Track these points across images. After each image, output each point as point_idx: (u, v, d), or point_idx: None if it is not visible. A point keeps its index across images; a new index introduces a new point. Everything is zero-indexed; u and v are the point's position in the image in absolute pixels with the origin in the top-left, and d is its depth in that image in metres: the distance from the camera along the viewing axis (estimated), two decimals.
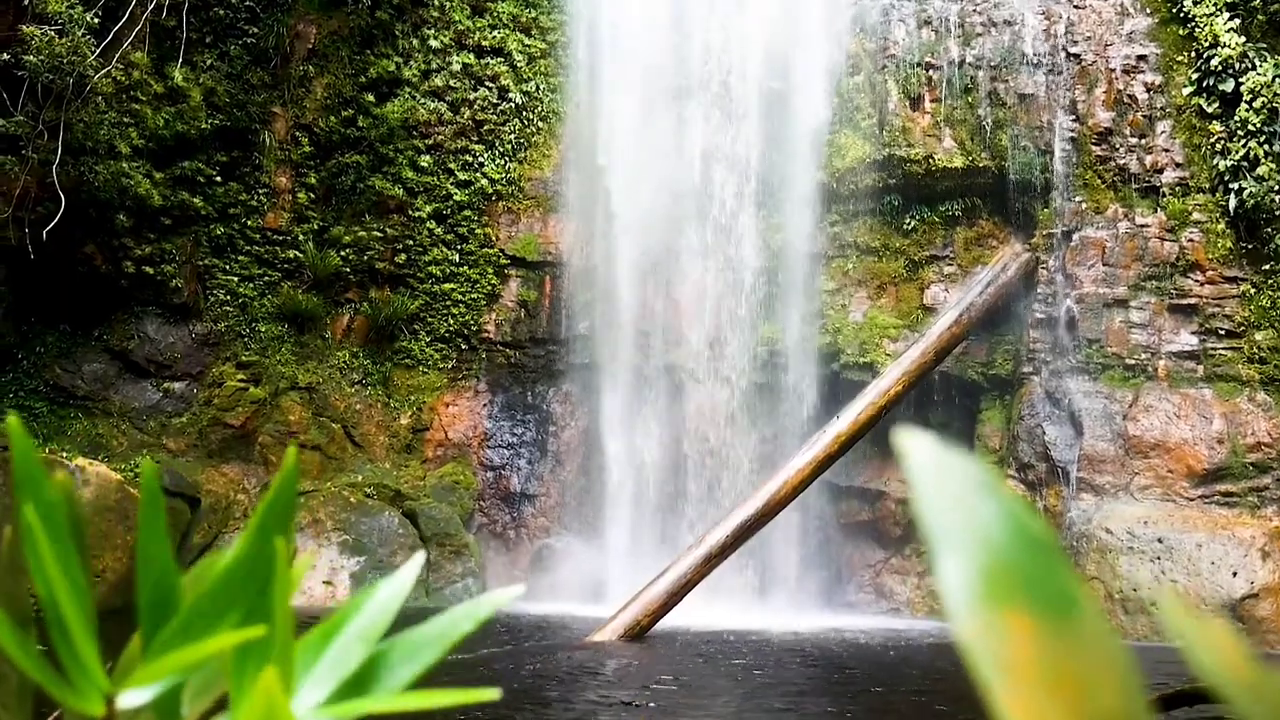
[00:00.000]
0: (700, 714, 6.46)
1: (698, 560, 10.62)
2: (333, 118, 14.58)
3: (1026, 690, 0.40)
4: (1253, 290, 12.45)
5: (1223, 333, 12.47)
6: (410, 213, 14.76)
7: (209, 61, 13.99)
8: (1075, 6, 13.38)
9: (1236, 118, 12.35)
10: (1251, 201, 12.16)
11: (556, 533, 14.32)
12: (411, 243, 14.78)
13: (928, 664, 9.07)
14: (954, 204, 13.73)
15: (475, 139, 14.88)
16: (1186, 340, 12.57)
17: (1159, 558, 11.36)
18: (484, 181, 14.82)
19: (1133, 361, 12.63)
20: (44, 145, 12.06)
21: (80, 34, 11.65)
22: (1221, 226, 12.53)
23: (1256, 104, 12.20)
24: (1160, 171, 12.83)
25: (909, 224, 13.86)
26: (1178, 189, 12.75)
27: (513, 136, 14.94)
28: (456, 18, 14.94)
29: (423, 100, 14.74)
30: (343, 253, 14.69)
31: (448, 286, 14.80)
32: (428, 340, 14.87)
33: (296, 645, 0.44)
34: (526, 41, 15.10)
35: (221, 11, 13.94)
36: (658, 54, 14.02)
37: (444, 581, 12.84)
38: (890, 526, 13.75)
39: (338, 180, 14.72)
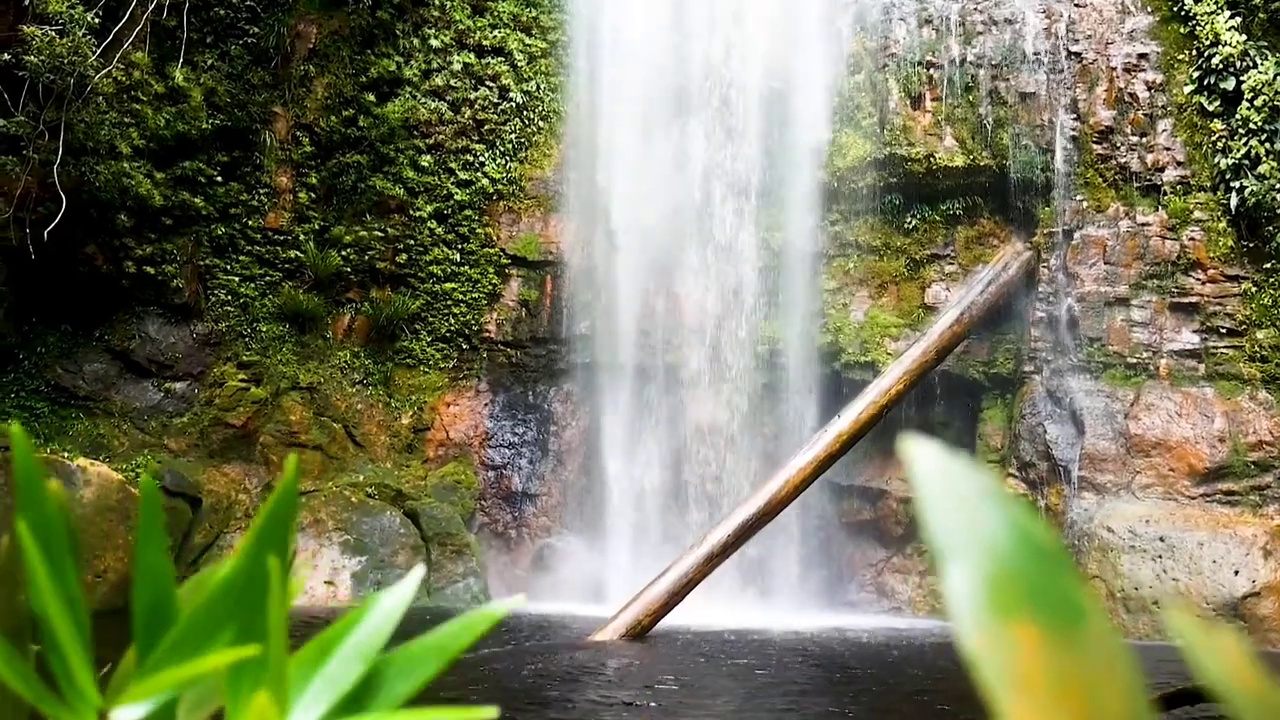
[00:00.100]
0: (702, 714, 6.46)
1: (699, 559, 10.62)
2: (333, 117, 14.58)
3: (1033, 700, 0.40)
4: (1254, 289, 12.44)
5: (1224, 331, 12.47)
6: (411, 212, 14.75)
7: (210, 61, 13.99)
8: (1076, 5, 13.37)
9: (1238, 116, 12.34)
10: (1253, 200, 12.15)
11: (558, 532, 14.32)
12: (412, 242, 14.78)
13: (930, 663, 9.07)
14: (955, 203, 13.73)
15: (476, 138, 14.88)
16: (1188, 339, 12.56)
17: (1161, 556, 11.36)
18: (485, 181, 14.82)
19: (1134, 360, 12.63)
20: (45, 145, 12.06)
21: (81, 34, 11.65)
22: (1223, 225, 12.52)
23: (1258, 102, 12.19)
24: (1161, 170, 12.82)
25: (910, 223, 13.86)
26: (1179, 187, 12.75)
27: (513, 136, 14.93)
28: (457, 17, 14.94)
29: (423, 100, 14.73)
30: (344, 252, 14.69)
31: (449, 286, 14.80)
32: (429, 340, 14.87)
33: (292, 660, 0.44)
34: (527, 41, 15.09)
35: (222, 11, 13.94)
36: (658, 53, 14.01)
37: (445, 581, 12.84)
38: (892, 525, 13.75)
39: (339, 180, 14.72)
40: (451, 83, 14.81)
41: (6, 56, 11.53)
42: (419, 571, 0.52)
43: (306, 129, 14.66)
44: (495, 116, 14.89)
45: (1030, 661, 0.40)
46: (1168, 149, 12.83)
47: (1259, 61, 12.32)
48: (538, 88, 15.01)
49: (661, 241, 13.96)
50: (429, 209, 14.76)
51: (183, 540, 12.40)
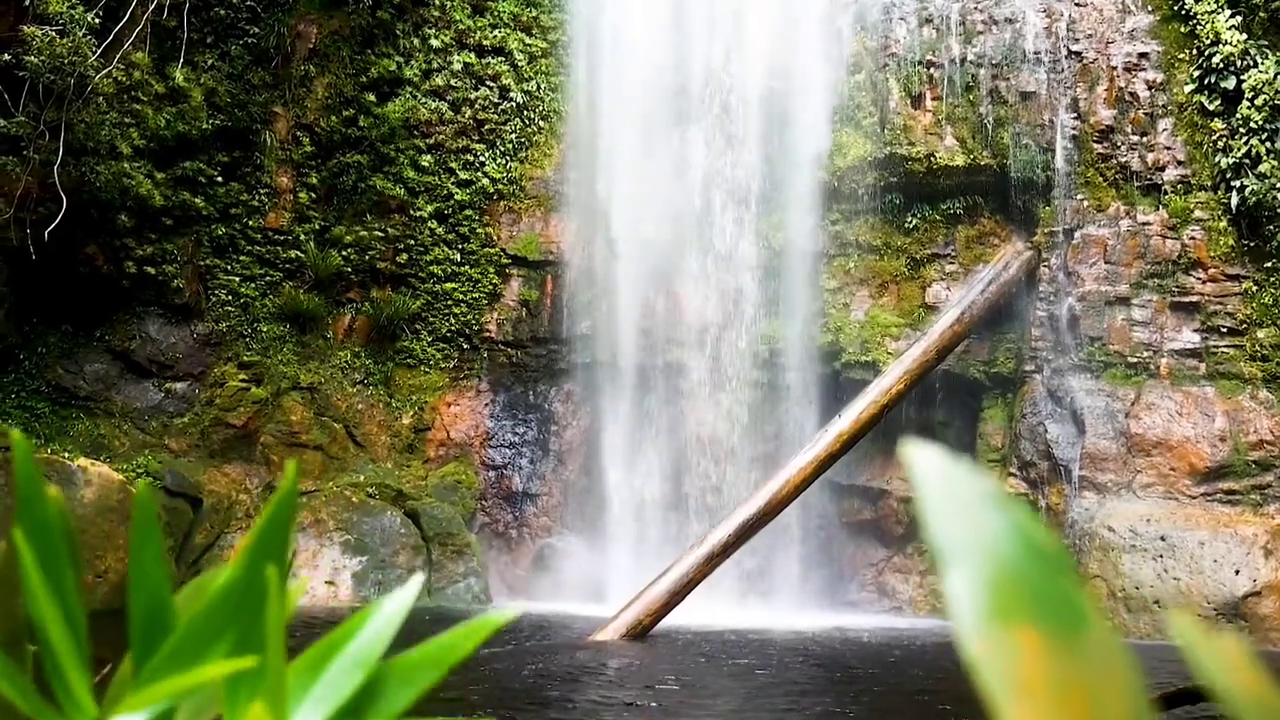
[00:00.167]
0: (703, 714, 6.46)
1: (699, 559, 10.62)
2: (334, 117, 14.58)
3: (1035, 706, 0.40)
4: (1255, 288, 12.44)
5: (1225, 330, 12.46)
6: (411, 212, 14.75)
7: (210, 61, 13.99)
8: (1076, 4, 13.37)
9: (1238, 115, 12.34)
10: (1253, 199, 12.14)
11: (558, 532, 14.32)
12: (413, 242, 14.78)
13: (931, 663, 9.06)
14: (955, 202, 13.72)
15: (476, 138, 14.88)
16: (1188, 338, 12.55)
17: (1161, 556, 11.35)
18: (485, 181, 14.81)
19: (1135, 359, 12.62)
20: (45, 146, 12.06)
21: (81, 34, 11.65)
22: (1223, 224, 12.52)
23: (1258, 101, 12.19)
24: (1162, 169, 12.82)
25: (910, 222, 13.85)
26: (1179, 187, 12.74)
27: (514, 136, 14.93)
28: (457, 17, 14.94)
29: (424, 100, 14.73)
30: (344, 252, 14.69)
31: (449, 286, 14.80)
32: (429, 340, 14.87)
33: (291, 668, 0.43)
34: (527, 40, 15.09)
35: (222, 11, 13.94)
36: (659, 53, 13.99)
37: (446, 581, 12.84)
38: (892, 525, 13.75)
39: (339, 180, 14.72)
40: (452, 82, 14.81)
41: (7, 57, 11.53)
42: (419, 578, 0.51)
43: (307, 129, 14.67)
44: (495, 116, 14.89)
45: (1032, 666, 0.40)
46: (1168, 148, 12.83)
47: (1259, 60, 12.31)
48: (538, 87, 15.01)
49: (662, 246, 13.95)
50: (429, 209, 14.76)
51: (183, 540, 12.40)
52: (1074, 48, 13.26)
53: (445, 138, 14.79)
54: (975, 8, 13.65)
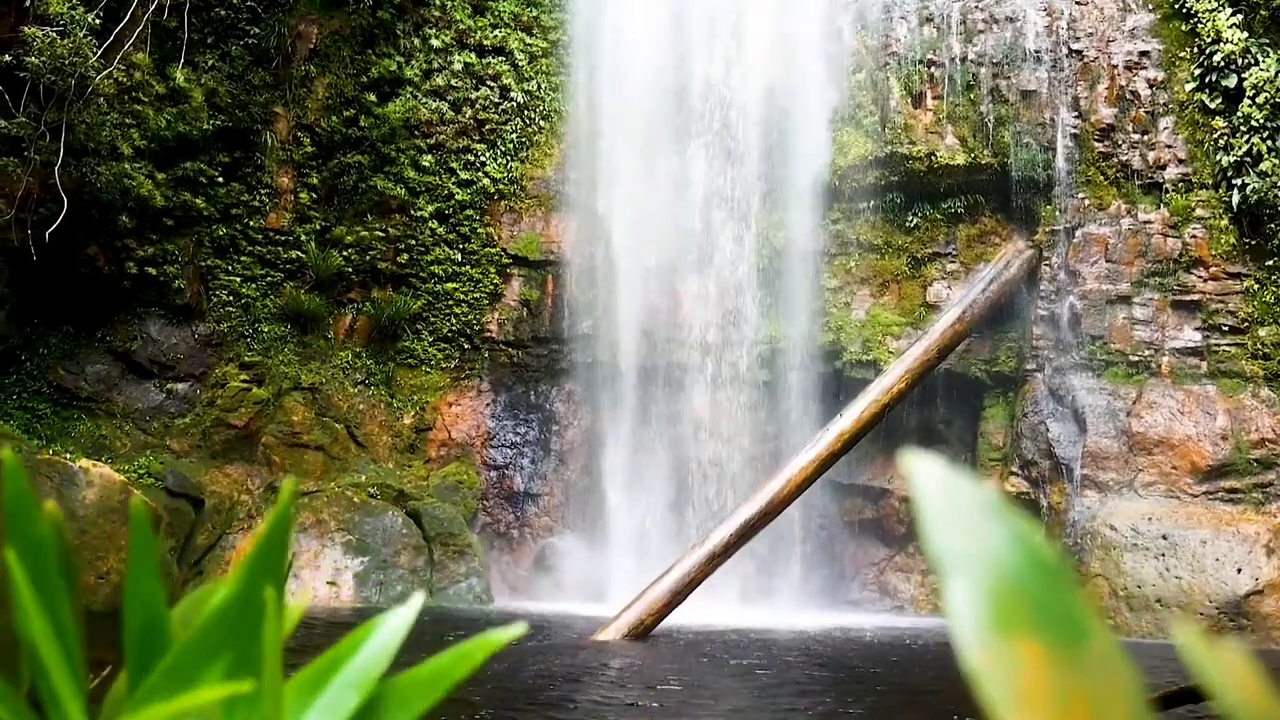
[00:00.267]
0: (706, 714, 6.46)
1: (701, 559, 10.62)
2: (334, 118, 14.58)
3: (1036, 718, 0.39)
4: (1256, 286, 12.43)
5: (1226, 329, 12.45)
6: (412, 212, 14.76)
7: (210, 62, 13.99)
8: (1077, 3, 13.36)
9: (1239, 113, 12.33)
10: (1255, 197, 12.13)
11: (560, 532, 14.32)
12: (414, 242, 14.78)
13: (933, 662, 9.06)
14: (956, 201, 13.72)
15: (477, 138, 14.88)
16: (1190, 336, 12.55)
17: (1163, 554, 11.34)
18: (486, 181, 14.82)
19: (1136, 358, 12.62)
20: (46, 147, 12.06)
21: (82, 35, 11.65)
22: (1225, 222, 12.51)
23: (1259, 99, 12.18)
24: (1163, 168, 12.81)
25: (911, 221, 13.85)
26: (1180, 185, 12.73)
27: (514, 135, 14.93)
28: (458, 17, 14.93)
29: (424, 100, 14.73)
30: (345, 253, 14.70)
31: (450, 286, 14.80)
32: (430, 340, 14.87)
33: (289, 686, 0.43)
34: (528, 40, 15.09)
35: (223, 12, 13.94)
36: (659, 52, 13.99)
37: (448, 581, 12.84)
38: (894, 524, 13.74)
39: (340, 180, 14.73)
40: (452, 82, 14.81)
41: (8, 58, 11.53)
42: (419, 596, 0.51)
43: (307, 129, 14.67)
44: (496, 116, 14.89)
45: (1033, 678, 0.40)
46: (1169, 146, 12.82)
47: (1260, 59, 12.30)
48: (539, 87, 15.01)
49: (663, 245, 13.93)
50: (430, 209, 14.76)
51: (185, 541, 12.41)
52: (1075, 46, 13.25)
53: (446, 138, 14.79)
54: (976, 6, 13.65)
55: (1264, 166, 12.11)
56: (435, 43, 14.81)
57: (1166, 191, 12.78)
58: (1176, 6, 12.98)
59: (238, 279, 14.45)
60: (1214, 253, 12.53)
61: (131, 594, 0.43)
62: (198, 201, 13.96)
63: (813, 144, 13.69)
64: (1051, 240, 13.16)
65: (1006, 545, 0.40)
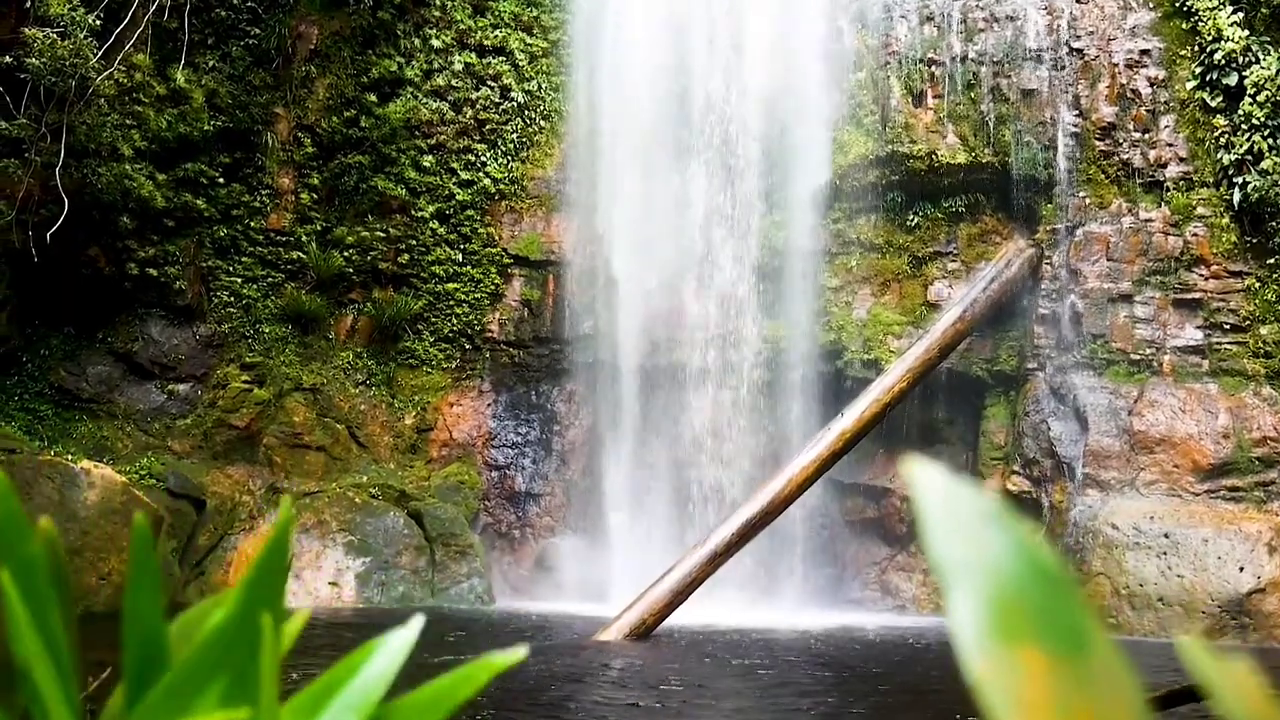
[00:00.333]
0: (708, 714, 6.46)
1: (702, 559, 10.61)
2: (335, 118, 14.58)
3: None
4: (1257, 284, 12.42)
5: (1228, 327, 12.45)
6: (413, 213, 14.76)
7: (211, 63, 13.99)
8: (1078, 1, 13.35)
9: (1240, 112, 12.32)
10: (1256, 195, 12.13)
11: (561, 532, 14.32)
12: (414, 243, 14.78)
13: (935, 661, 9.05)
14: (957, 200, 13.71)
15: (478, 138, 14.88)
16: (1191, 335, 12.54)
17: (1165, 553, 11.34)
18: (486, 181, 14.82)
19: (1137, 357, 12.61)
20: (47, 148, 12.06)
21: (82, 36, 11.65)
22: (1226, 221, 12.50)
23: (1260, 98, 12.17)
24: (1164, 166, 12.80)
25: (912, 220, 13.84)
26: (1182, 183, 12.72)
27: (515, 135, 14.93)
28: (458, 17, 14.93)
29: (425, 100, 14.73)
30: (346, 253, 14.70)
31: (451, 286, 14.80)
32: (431, 340, 14.88)
33: (286, 709, 0.43)
34: (528, 40, 15.09)
35: (223, 13, 13.94)
36: (660, 54, 13.98)
37: (449, 581, 12.84)
38: (895, 523, 13.74)
39: (340, 181, 14.73)
40: (453, 82, 14.81)
41: (8, 59, 11.53)
42: (418, 621, 0.51)
43: (308, 130, 14.67)
44: (497, 116, 14.89)
45: (1036, 687, 0.40)
46: (1170, 145, 12.81)
47: (1261, 57, 12.29)
48: (539, 87, 15.01)
49: (664, 244, 13.93)
50: (431, 209, 14.76)
51: (187, 542, 12.42)
52: (1075, 45, 13.24)
53: (446, 138, 14.79)
54: (976, 5, 13.64)
55: (1265, 165, 12.10)
56: (436, 43, 14.81)
57: (1167, 190, 12.78)
58: (1177, 5, 12.97)
59: (239, 280, 14.46)
60: (1215, 251, 12.52)
61: (130, 611, 0.42)
62: (198, 202, 13.96)
63: (813, 143, 13.69)
64: (1052, 239, 13.15)
65: (1008, 554, 0.40)
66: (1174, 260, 12.64)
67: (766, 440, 13.62)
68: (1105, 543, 11.63)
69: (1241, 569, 11.04)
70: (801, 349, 13.68)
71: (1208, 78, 12.58)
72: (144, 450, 13.25)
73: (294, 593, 12.11)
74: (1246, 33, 12.37)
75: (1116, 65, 13.07)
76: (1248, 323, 12.40)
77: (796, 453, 11.80)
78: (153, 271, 13.63)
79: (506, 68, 14.93)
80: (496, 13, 15.10)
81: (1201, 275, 12.57)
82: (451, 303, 14.84)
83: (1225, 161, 12.41)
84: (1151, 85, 12.95)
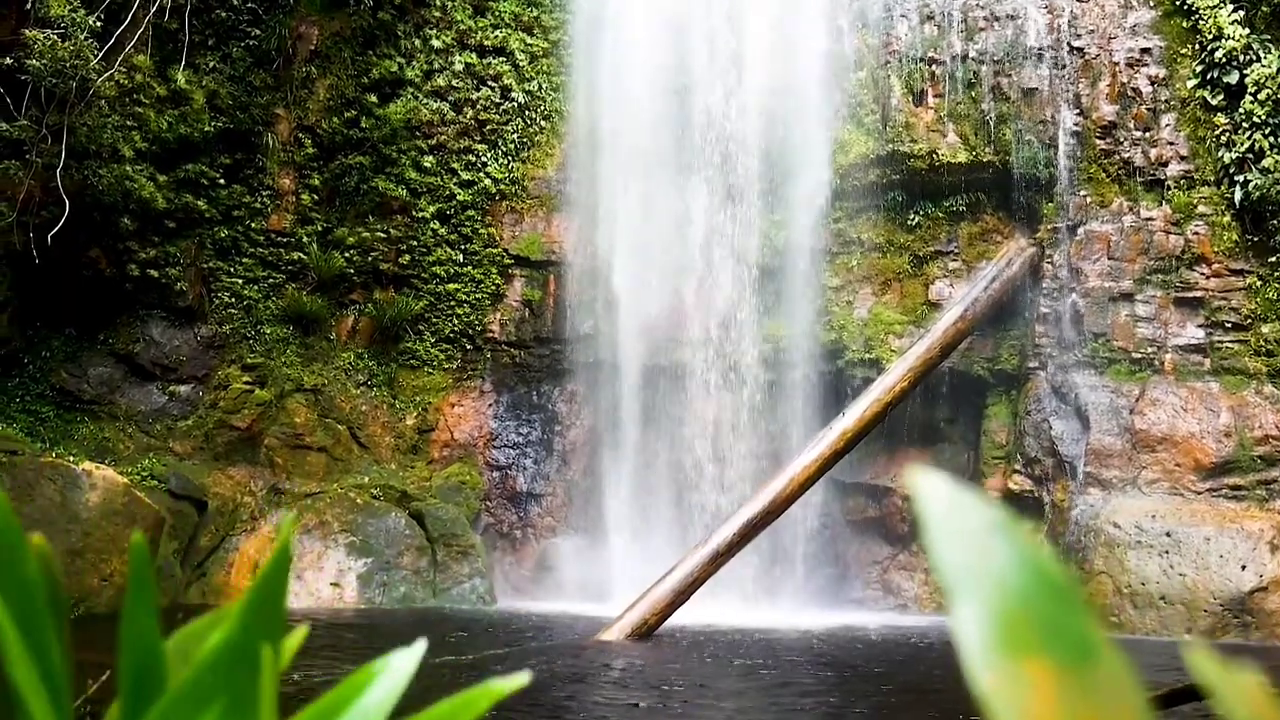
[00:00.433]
0: (711, 714, 6.45)
1: (704, 558, 10.61)
2: (335, 119, 14.58)
3: None
4: (1259, 283, 12.41)
5: (1229, 325, 12.44)
6: (414, 213, 14.76)
7: (211, 64, 13.99)
8: (1078, 0, 13.34)
9: (1241, 110, 12.31)
10: (1257, 194, 12.12)
11: (563, 532, 14.32)
12: (415, 243, 14.78)
13: (938, 661, 9.05)
14: (958, 199, 13.70)
15: (478, 139, 14.87)
16: (1193, 333, 12.53)
17: (1167, 552, 11.33)
18: (487, 181, 14.81)
19: (1139, 355, 12.60)
20: (47, 149, 12.06)
21: (82, 37, 11.65)
22: (1227, 219, 12.49)
23: (1261, 96, 12.16)
24: (1165, 165, 12.79)
25: (913, 220, 13.84)
26: (1183, 182, 12.72)
27: (516, 136, 14.93)
28: (458, 17, 14.93)
29: (425, 100, 14.73)
30: (347, 254, 14.70)
31: (452, 287, 14.80)
32: (432, 341, 14.87)
33: None
34: (529, 40, 15.08)
35: (223, 14, 13.94)
36: (660, 53, 13.97)
37: (451, 582, 12.84)
38: (897, 523, 13.74)
39: (341, 181, 14.72)
40: (453, 83, 14.81)
41: (9, 60, 11.53)
42: (419, 647, 0.50)
43: (309, 130, 14.66)
44: (497, 116, 14.89)
45: (1043, 699, 0.39)
46: (1171, 143, 12.80)
47: (1262, 55, 12.28)
48: (540, 87, 15.01)
49: (664, 243, 13.92)
50: (432, 209, 14.76)
51: (188, 543, 12.42)
52: (1076, 44, 13.23)
53: (447, 138, 14.79)
54: (977, 4, 13.63)
55: (1266, 163, 12.10)
56: (436, 43, 14.81)
57: (1168, 188, 12.77)
58: (1178, 3, 12.96)
59: (240, 281, 14.46)
60: (1216, 249, 12.51)
61: (127, 631, 0.42)
62: (199, 203, 13.96)
63: (814, 142, 13.68)
64: (1053, 238, 13.14)
65: (1014, 564, 0.40)
66: (1175, 259, 12.63)
67: (768, 439, 13.62)
68: (1107, 541, 11.63)
69: (1243, 567, 11.04)
70: (803, 348, 13.67)
71: (1208, 76, 12.57)
72: (145, 451, 13.25)
73: (296, 594, 12.11)
74: (1247, 31, 12.37)
75: (1117, 64, 13.06)
76: (1249, 321, 12.39)
77: (798, 452, 11.80)
78: (154, 273, 13.63)
79: (507, 68, 14.93)
80: (497, 13, 15.10)
81: (1203, 274, 12.56)
82: (452, 303, 14.83)
83: (1226, 160, 12.40)
84: (1152, 84, 12.94)
